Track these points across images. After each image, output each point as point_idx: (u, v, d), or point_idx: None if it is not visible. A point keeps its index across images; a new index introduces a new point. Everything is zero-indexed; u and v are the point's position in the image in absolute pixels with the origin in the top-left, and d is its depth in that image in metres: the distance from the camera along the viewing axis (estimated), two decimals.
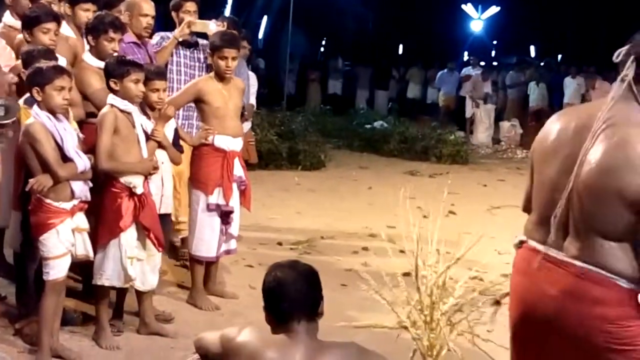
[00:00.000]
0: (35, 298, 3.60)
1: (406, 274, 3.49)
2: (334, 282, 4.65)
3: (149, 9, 4.62)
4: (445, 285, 3.30)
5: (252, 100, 5.91)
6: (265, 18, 19.32)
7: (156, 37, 4.96)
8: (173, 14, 5.00)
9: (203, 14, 5.13)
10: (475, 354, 3.29)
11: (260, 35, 19.83)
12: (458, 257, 3.40)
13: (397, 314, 3.28)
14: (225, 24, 4.93)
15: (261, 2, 19.35)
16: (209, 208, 4.25)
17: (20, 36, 4.18)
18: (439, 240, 3.58)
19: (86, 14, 4.34)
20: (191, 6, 4.94)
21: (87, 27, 4.12)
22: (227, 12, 17.59)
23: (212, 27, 4.86)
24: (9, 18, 4.43)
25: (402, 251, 3.56)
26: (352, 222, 6.57)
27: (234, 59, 4.28)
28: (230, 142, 4.25)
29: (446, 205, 5.33)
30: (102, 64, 3.95)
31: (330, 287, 4.59)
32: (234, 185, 4.31)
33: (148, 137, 3.79)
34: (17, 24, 4.37)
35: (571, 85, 13.24)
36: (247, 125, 5.84)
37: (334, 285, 4.63)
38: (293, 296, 2.14)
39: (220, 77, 4.28)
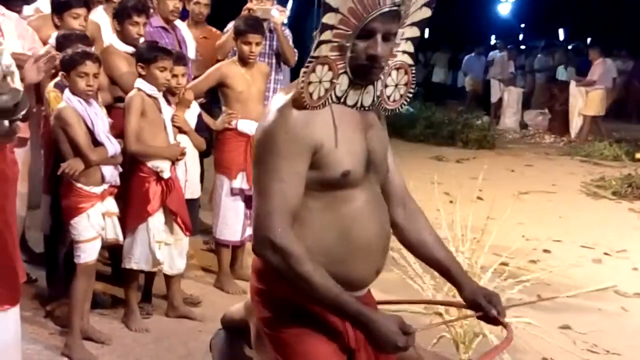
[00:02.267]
0: (65, 281, 3.65)
1: None
2: None
3: None
4: (474, 271, 3.28)
5: None
6: (290, 1, 19.26)
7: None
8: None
9: None
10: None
11: (285, 19, 19.77)
12: (478, 240, 3.39)
13: (431, 299, 3.25)
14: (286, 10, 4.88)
15: None
16: (232, 192, 4.28)
17: (33, 17, 4.18)
18: (466, 226, 3.56)
19: None
20: None
21: (114, 12, 4.14)
22: None
23: (274, 13, 4.81)
24: (45, 4, 4.44)
25: None
26: None
27: (257, 44, 4.28)
28: (254, 127, 4.26)
29: (473, 191, 5.30)
30: (129, 49, 3.97)
31: None
32: None
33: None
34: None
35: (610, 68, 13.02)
36: None
37: None
38: None
39: (244, 61, 4.29)
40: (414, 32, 1.89)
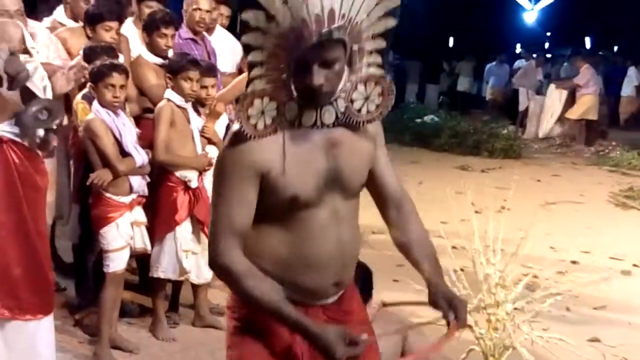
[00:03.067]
0: (94, 290, 3.69)
1: (462, 270, 3.46)
2: (386, 278, 4.62)
3: (204, 3, 4.64)
4: (505, 284, 3.24)
5: None
6: None
7: None
8: None
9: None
10: (536, 352, 3.23)
11: None
12: (514, 254, 3.35)
13: None
14: None
15: None
16: None
17: (58, 30, 4.26)
18: (496, 237, 3.53)
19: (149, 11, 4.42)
20: None
21: (142, 24, 4.19)
22: None
23: None
24: (61, 15, 4.52)
25: (454, 247, 3.52)
26: None
27: None
28: None
29: (499, 201, 5.26)
30: (158, 60, 4.02)
31: (383, 282, 4.57)
32: None
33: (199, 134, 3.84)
34: (67, 22, 4.47)
35: (632, 76, 12.96)
36: None
37: (386, 281, 4.61)
38: None
39: None
40: (379, 43, 1.88)
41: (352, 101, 1.89)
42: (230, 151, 1.85)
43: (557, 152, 11.74)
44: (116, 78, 3.37)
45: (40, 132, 2.68)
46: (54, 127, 2.75)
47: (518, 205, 6.83)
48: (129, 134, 3.45)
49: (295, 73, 1.78)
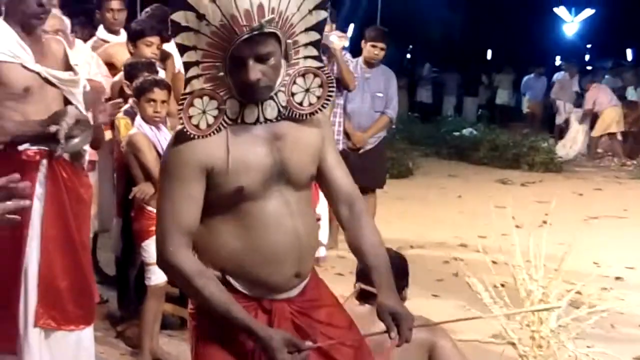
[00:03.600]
0: (135, 302, 3.73)
1: (502, 285, 3.41)
2: (425, 293, 4.60)
3: None
4: (549, 300, 3.19)
5: None
6: (351, 25, 19.41)
7: None
8: None
9: None
10: None
11: (346, 44, 19.91)
12: (556, 270, 3.30)
13: (506, 329, 3.17)
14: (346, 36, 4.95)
15: (347, 10, 19.45)
16: None
17: (104, 47, 4.37)
18: (538, 253, 3.47)
19: None
20: None
21: None
22: None
23: (334, 38, 4.85)
24: (102, 32, 4.65)
25: (495, 262, 3.48)
26: (442, 231, 6.49)
27: None
28: None
29: (540, 215, 5.19)
30: None
31: (422, 297, 4.54)
32: (320, 193, 4.32)
33: None
34: (109, 37, 4.59)
35: None
36: None
37: (426, 296, 4.58)
38: None
39: None
40: (312, 36, 1.90)
41: (292, 94, 1.92)
42: (173, 150, 1.87)
43: (600, 166, 11.54)
44: (157, 93, 3.43)
45: (73, 145, 2.74)
46: (86, 141, 2.81)
47: (560, 220, 6.72)
48: None
49: (232, 70, 1.81)
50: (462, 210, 7.47)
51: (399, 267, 2.45)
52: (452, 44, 21.76)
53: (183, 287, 1.93)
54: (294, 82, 1.92)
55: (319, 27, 1.90)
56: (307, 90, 1.94)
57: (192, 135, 1.83)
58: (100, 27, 4.68)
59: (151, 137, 3.45)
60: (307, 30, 1.89)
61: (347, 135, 5.50)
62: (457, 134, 12.04)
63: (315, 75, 1.94)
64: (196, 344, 1.98)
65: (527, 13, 21.80)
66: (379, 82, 5.61)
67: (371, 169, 5.50)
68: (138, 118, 3.49)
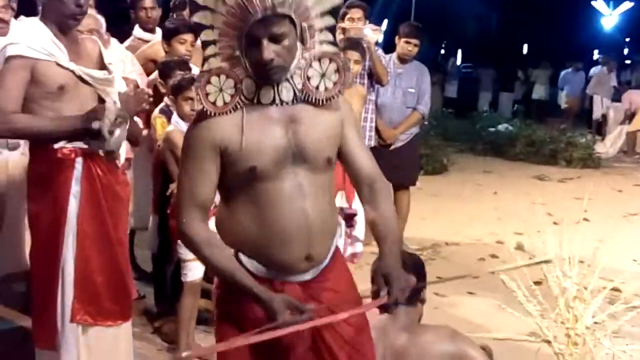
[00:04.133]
0: (172, 298, 3.77)
1: (537, 283, 3.37)
2: (461, 290, 4.57)
3: None
4: (584, 297, 3.14)
5: None
6: (385, 21, 19.35)
7: None
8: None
9: None
10: None
11: (380, 38, 19.84)
12: (591, 265, 3.25)
13: (540, 327, 3.14)
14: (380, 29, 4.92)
15: (381, 5, 19.39)
16: None
17: (144, 47, 4.42)
18: (570, 249, 3.43)
19: None
20: (356, 12, 4.96)
21: None
22: None
23: (367, 32, 4.82)
24: (138, 31, 4.70)
25: (531, 259, 3.43)
26: (478, 228, 6.44)
27: (356, 62, 4.31)
28: None
29: (578, 212, 5.10)
30: None
31: (458, 295, 4.52)
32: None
33: None
34: (145, 35, 4.65)
35: None
36: None
37: (461, 293, 4.55)
38: None
39: None
40: (328, 21, 1.95)
41: (308, 78, 1.95)
42: (192, 129, 1.97)
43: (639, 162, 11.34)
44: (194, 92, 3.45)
45: (116, 139, 2.77)
46: (125, 134, 2.84)
47: (598, 216, 6.64)
48: None
49: (247, 49, 1.86)
50: (497, 206, 7.40)
51: (415, 269, 2.47)
52: (488, 39, 21.55)
53: (196, 255, 2.04)
54: (310, 66, 1.95)
55: (334, 12, 1.95)
56: (322, 75, 1.97)
57: (208, 112, 1.90)
58: (136, 27, 4.74)
59: None
60: (322, 14, 1.93)
61: (378, 131, 5.47)
62: (492, 129, 11.92)
63: (331, 60, 1.97)
64: (217, 316, 2.11)
65: (565, 6, 21.49)
66: (412, 78, 5.58)
67: (403, 166, 5.46)
68: (175, 115, 3.53)
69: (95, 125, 2.68)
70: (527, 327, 3.26)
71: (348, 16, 4.92)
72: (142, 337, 3.80)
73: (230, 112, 1.91)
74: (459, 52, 20.26)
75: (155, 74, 3.98)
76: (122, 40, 4.54)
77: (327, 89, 1.97)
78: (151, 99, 3.50)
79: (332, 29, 1.97)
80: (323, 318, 1.93)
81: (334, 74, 1.97)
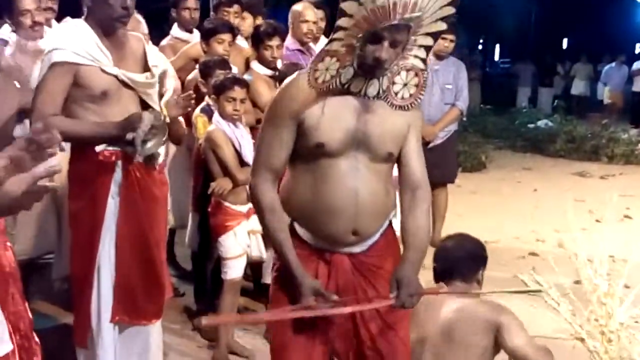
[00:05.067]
0: (212, 296, 3.80)
1: (577, 282, 3.33)
2: (500, 289, 4.51)
3: (310, 15, 4.71)
4: (615, 295, 3.09)
5: None
6: None
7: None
8: None
9: None
10: None
11: None
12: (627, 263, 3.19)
13: (572, 325, 3.11)
14: None
15: None
16: None
17: (187, 46, 4.46)
18: (610, 247, 3.36)
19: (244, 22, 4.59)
20: None
21: (251, 37, 4.32)
22: None
23: None
24: (176, 30, 4.73)
25: (571, 258, 3.38)
26: (517, 226, 6.35)
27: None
28: None
29: (620, 209, 5.02)
30: (267, 71, 4.12)
31: (498, 294, 4.47)
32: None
33: None
34: (184, 35, 4.68)
35: None
36: None
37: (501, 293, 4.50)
38: (449, 260, 2.67)
39: None
40: (428, 41, 2.15)
41: (393, 83, 2.17)
42: (279, 96, 2.18)
43: None
44: (237, 92, 3.48)
45: (147, 149, 2.79)
46: (159, 144, 2.85)
47: None
48: (247, 144, 3.55)
49: (368, 44, 2.05)
50: (538, 204, 7.29)
51: (473, 251, 2.79)
52: (527, 34, 21.26)
53: (258, 217, 2.25)
54: (399, 73, 2.17)
55: (435, 35, 2.14)
56: (405, 85, 2.19)
57: (309, 84, 2.11)
58: (175, 26, 4.77)
59: (229, 134, 3.51)
60: (426, 34, 2.14)
61: None
62: (532, 125, 11.76)
63: (416, 75, 2.18)
64: (273, 281, 2.30)
65: (604, 0, 21.09)
66: (449, 74, 5.53)
67: (441, 163, 5.40)
68: (216, 115, 3.56)
69: (129, 136, 2.71)
70: (561, 324, 3.23)
71: None
72: (183, 334, 3.84)
73: (322, 90, 2.11)
74: (497, 47, 20.01)
75: (195, 73, 4.01)
76: (159, 39, 4.57)
77: (403, 97, 2.19)
78: (193, 100, 3.53)
79: (427, 49, 2.17)
80: (334, 309, 2.12)
81: (413, 87, 2.19)
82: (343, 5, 2.05)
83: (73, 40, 2.74)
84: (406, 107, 2.19)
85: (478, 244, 2.86)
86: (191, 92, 3.62)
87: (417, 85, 2.19)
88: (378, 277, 2.24)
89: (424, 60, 2.19)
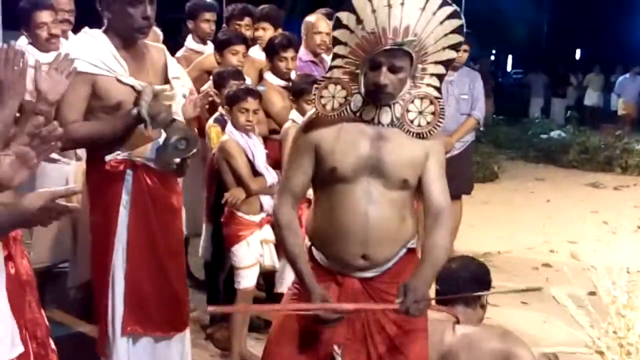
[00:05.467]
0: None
1: (591, 294, 3.31)
2: (514, 301, 4.50)
3: (323, 26, 4.73)
4: (635, 307, 3.08)
5: None
6: None
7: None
8: None
9: None
10: None
11: None
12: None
13: (591, 337, 3.09)
14: None
15: None
16: None
17: (201, 58, 4.49)
18: (625, 258, 3.35)
19: (265, 33, 4.61)
20: None
21: (264, 48, 4.35)
22: None
23: None
24: (191, 42, 4.77)
25: (584, 269, 3.37)
26: (530, 237, 6.33)
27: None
28: None
29: (635, 220, 5.00)
30: (281, 82, 4.15)
31: (511, 306, 4.45)
32: None
33: None
34: (199, 47, 4.72)
35: None
36: None
37: (515, 305, 4.49)
38: (452, 284, 2.59)
39: None
40: (439, 69, 2.21)
41: (407, 111, 2.22)
42: (301, 127, 2.32)
43: None
44: (250, 102, 3.51)
45: (177, 160, 2.80)
46: (190, 155, 2.86)
47: None
48: (260, 154, 3.57)
49: (367, 71, 2.14)
50: (551, 214, 7.27)
51: (477, 275, 2.70)
52: (539, 45, 21.22)
53: (276, 235, 2.39)
54: (412, 102, 2.23)
55: (446, 63, 2.21)
56: (420, 113, 2.23)
57: (316, 114, 2.23)
58: (189, 37, 4.81)
59: (242, 144, 3.53)
60: (436, 62, 2.19)
61: None
62: (544, 136, 11.73)
63: (431, 103, 2.23)
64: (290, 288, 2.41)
65: (618, 10, 21.02)
66: (464, 84, 5.52)
67: (457, 175, 5.38)
68: (229, 125, 3.58)
69: (134, 111, 2.70)
70: (580, 338, 3.21)
71: None
72: (195, 343, 3.83)
73: (334, 117, 2.21)
74: (510, 57, 20.00)
75: (209, 84, 4.04)
76: (172, 51, 4.60)
77: (420, 125, 2.23)
78: (207, 106, 3.55)
79: (440, 77, 2.22)
80: (342, 304, 2.21)
81: (429, 115, 2.23)
82: (335, 33, 2.15)
83: (88, 51, 2.75)
84: (424, 135, 2.23)
85: (483, 268, 2.81)
86: (209, 90, 3.65)
87: (433, 114, 2.23)
88: (388, 303, 2.25)
89: (438, 89, 2.23)
